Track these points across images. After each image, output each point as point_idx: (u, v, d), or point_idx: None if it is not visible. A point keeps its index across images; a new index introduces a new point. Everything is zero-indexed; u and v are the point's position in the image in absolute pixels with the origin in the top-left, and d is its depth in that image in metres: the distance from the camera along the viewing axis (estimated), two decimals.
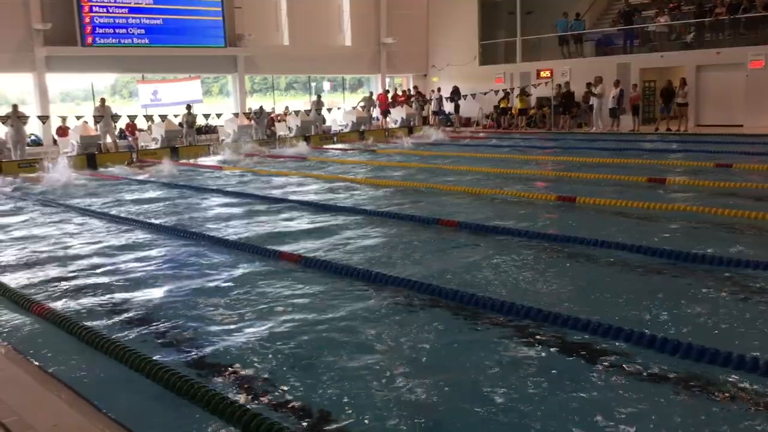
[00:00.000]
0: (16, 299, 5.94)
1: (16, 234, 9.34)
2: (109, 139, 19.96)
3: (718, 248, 6.75)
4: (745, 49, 21.04)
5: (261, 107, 23.54)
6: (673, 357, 4.21)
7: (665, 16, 23.84)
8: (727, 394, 3.84)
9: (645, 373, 4.13)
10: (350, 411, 3.80)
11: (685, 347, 4.23)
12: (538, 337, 4.75)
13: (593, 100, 22.89)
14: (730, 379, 3.98)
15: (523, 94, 25.51)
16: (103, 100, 20.29)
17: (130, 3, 22.22)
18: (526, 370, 4.25)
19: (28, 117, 18.79)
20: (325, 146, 22.03)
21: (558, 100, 24.07)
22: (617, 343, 4.49)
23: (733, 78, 21.15)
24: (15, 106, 18.50)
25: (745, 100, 20.97)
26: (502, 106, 26.23)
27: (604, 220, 8.74)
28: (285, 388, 4.12)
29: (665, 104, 21.50)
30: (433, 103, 27.89)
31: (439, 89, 28.14)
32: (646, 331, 4.53)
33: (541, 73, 25.91)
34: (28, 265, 7.48)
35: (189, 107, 21.52)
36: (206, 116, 22.13)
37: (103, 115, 19.72)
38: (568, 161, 15.07)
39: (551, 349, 4.55)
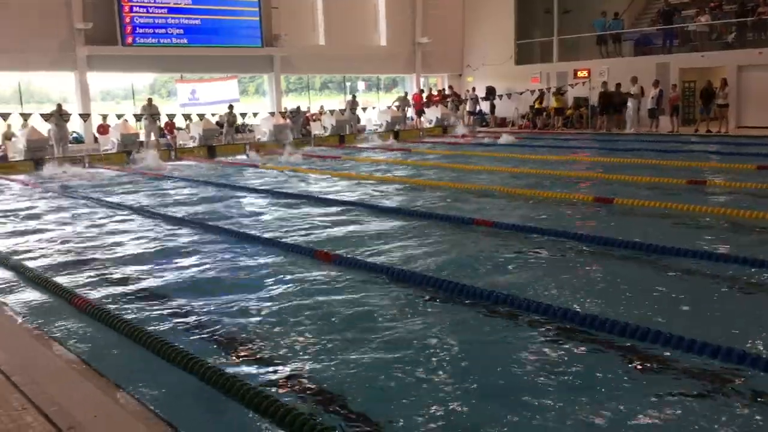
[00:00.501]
0: (58, 292, 6.08)
1: (58, 228, 9.53)
2: (152, 137, 20.38)
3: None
4: None
5: (298, 107, 23.72)
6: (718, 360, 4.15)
7: (706, 16, 23.37)
8: None
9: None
10: (383, 411, 3.79)
11: (725, 351, 4.16)
12: (575, 340, 4.71)
13: (628, 100, 22.54)
14: None
15: (558, 93, 25.24)
16: (150, 100, 20.81)
17: (169, 3, 22.54)
18: (566, 374, 4.18)
19: (70, 115, 19.29)
20: (359, 145, 22.16)
21: (599, 100, 23.65)
22: (666, 351, 4.38)
23: None
24: (59, 106, 19.04)
25: None
26: (536, 106, 26.01)
27: (643, 221, 8.62)
28: (318, 386, 4.14)
29: (705, 105, 21.08)
30: (468, 103, 27.78)
31: (474, 89, 28.02)
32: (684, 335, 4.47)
33: (579, 72, 25.60)
34: (68, 259, 7.63)
35: (231, 107, 21.88)
36: (243, 115, 22.41)
37: (150, 113, 20.17)
38: (605, 162, 14.87)
39: (589, 353, 4.51)
